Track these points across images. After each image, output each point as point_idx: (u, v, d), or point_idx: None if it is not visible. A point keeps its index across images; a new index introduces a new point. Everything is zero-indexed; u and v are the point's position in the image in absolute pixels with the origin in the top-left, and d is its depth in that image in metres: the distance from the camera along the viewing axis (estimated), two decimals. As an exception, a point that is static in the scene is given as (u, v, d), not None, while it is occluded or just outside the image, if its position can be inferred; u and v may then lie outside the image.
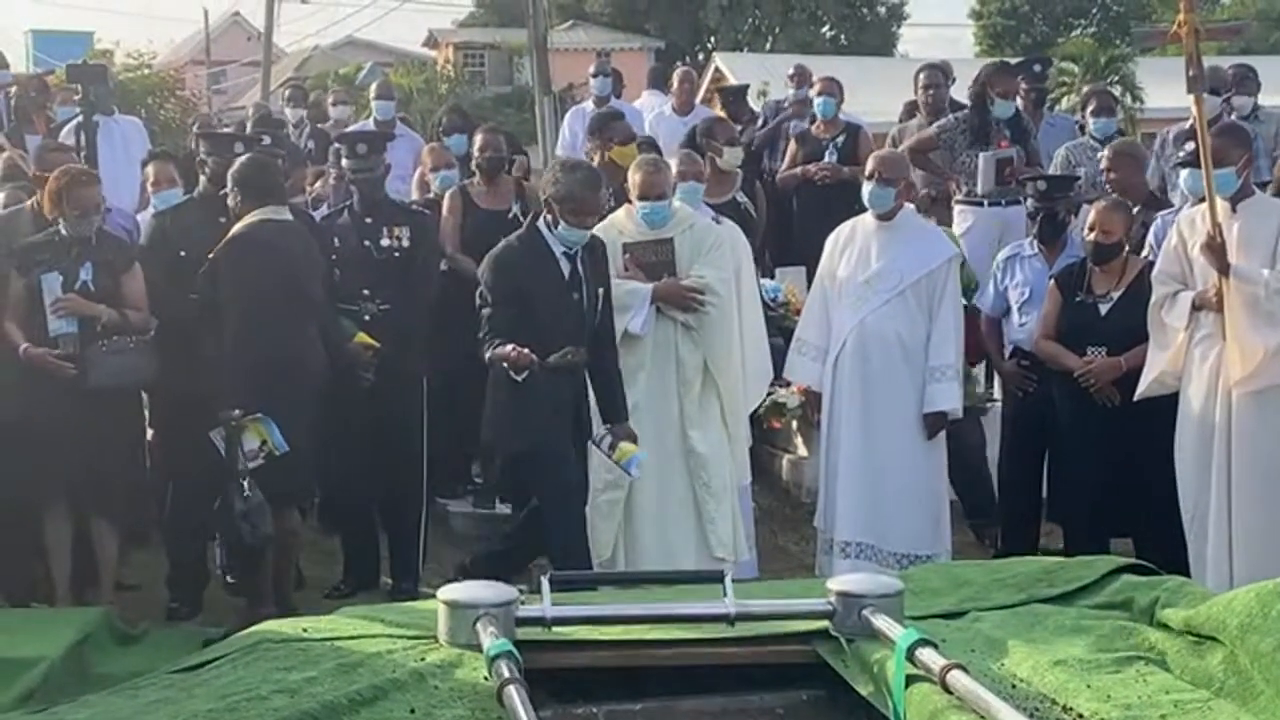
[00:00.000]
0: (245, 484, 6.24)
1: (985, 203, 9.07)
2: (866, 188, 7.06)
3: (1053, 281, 7.18)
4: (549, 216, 6.15)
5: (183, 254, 6.77)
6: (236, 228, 6.49)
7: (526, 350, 5.86)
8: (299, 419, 6.42)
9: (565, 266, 6.19)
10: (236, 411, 6.24)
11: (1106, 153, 8.18)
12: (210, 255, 6.47)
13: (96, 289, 6.48)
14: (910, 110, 10.70)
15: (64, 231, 6.45)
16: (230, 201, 6.59)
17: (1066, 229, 7.55)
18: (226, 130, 10.03)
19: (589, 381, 6.31)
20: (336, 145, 8.42)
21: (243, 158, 6.79)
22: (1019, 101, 9.77)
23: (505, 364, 5.89)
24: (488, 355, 6.13)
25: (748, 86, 13.01)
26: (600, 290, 6.29)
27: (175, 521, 7.06)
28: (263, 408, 6.26)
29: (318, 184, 9.11)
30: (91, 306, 6.44)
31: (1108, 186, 8.01)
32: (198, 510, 6.72)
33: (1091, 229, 6.94)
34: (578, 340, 6.13)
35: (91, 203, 6.51)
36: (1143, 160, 8.36)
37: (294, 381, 6.45)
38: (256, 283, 6.40)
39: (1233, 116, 8.65)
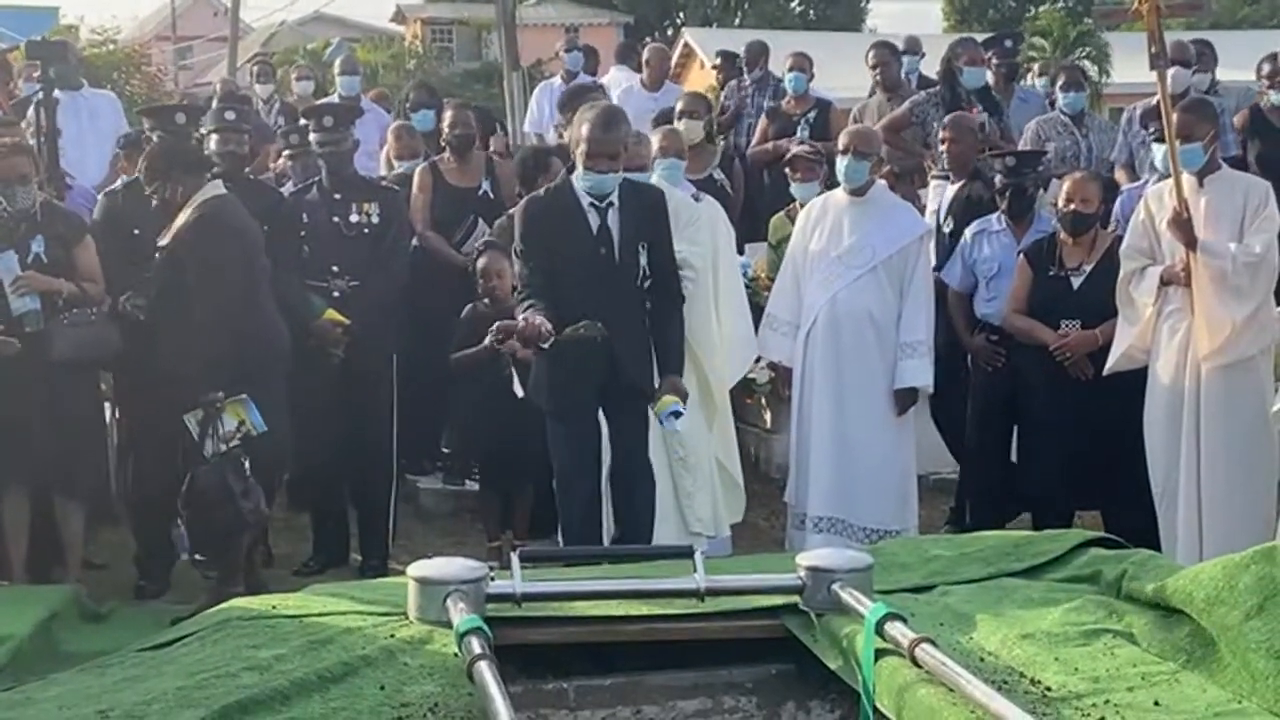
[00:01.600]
0: (246, 464, 6.21)
1: (959, 178, 9.07)
2: (841, 162, 7.04)
3: (1022, 256, 7.19)
4: (575, 165, 5.94)
5: (136, 232, 6.71)
6: (196, 209, 6.36)
7: (538, 321, 5.61)
8: (274, 394, 6.40)
9: (594, 220, 5.89)
10: (220, 394, 6.18)
11: (948, 122, 8.24)
12: (167, 240, 6.39)
13: (50, 261, 6.41)
14: (874, 88, 10.73)
15: (5, 206, 6.38)
16: (160, 193, 6.42)
17: (1035, 204, 7.57)
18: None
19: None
20: (300, 121, 8.37)
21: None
22: (990, 76, 9.80)
23: (515, 339, 5.69)
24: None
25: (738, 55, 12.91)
26: (644, 245, 5.97)
27: (141, 499, 7.02)
28: (241, 386, 6.22)
29: (281, 160, 9.06)
30: (51, 281, 6.38)
31: (945, 156, 8.21)
32: (162, 487, 6.69)
33: (1070, 200, 6.95)
34: (606, 296, 5.83)
35: (15, 172, 6.39)
36: (977, 133, 8.43)
37: (266, 356, 6.42)
38: (222, 261, 6.34)
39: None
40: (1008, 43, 10.52)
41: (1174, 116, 6.31)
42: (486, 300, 7.18)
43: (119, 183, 7.38)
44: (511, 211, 7.61)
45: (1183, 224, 6.23)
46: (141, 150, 7.27)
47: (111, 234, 6.79)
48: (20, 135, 7.39)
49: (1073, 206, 6.93)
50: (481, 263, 7.24)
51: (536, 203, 6.09)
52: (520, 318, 5.71)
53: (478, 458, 7.28)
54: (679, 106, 9.07)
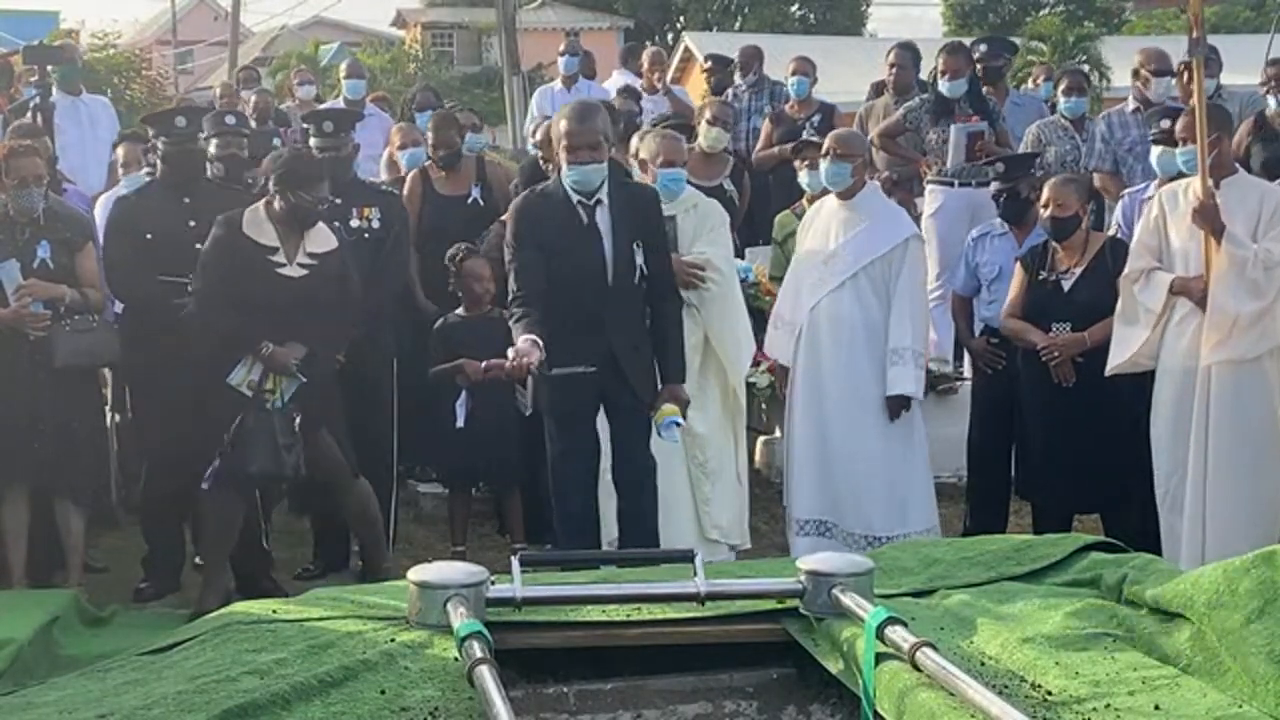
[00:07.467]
0: (296, 421, 6.23)
1: (955, 183, 9.07)
2: (822, 165, 7.00)
3: (1018, 261, 7.18)
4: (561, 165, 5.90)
5: (149, 237, 6.70)
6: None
7: (524, 362, 5.48)
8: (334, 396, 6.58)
9: (583, 216, 5.87)
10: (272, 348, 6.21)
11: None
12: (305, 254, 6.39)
13: (56, 267, 6.41)
14: (878, 90, 10.70)
15: (10, 210, 6.38)
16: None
17: (1031, 207, 7.51)
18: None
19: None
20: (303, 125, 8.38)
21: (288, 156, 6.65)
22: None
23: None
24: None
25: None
26: (637, 243, 5.93)
27: (151, 502, 7.02)
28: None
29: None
30: (54, 288, 6.36)
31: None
32: (174, 490, 6.70)
33: (1046, 205, 6.95)
34: (599, 296, 5.82)
35: (31, 173, 6.38)
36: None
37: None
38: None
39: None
40: (982, 46, 10.41)
41: (1185, 119, 6.29)
42: (461, 310, 7.21)
43: (126, 181, 7.40)
44: (502, 220, 7.65)
45: (1208, 211, 6.16)
46: (137, 147, 7.28)
47: (124, 238, 6.77)
48: (40, 141, 7.39)
49: (1049, 212, 6.93)
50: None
51: (527, 201, 6.07)
52: (510, 353, 5.59)
53: (461, 463, 7.25)
54: (707, 114, 9.05)
